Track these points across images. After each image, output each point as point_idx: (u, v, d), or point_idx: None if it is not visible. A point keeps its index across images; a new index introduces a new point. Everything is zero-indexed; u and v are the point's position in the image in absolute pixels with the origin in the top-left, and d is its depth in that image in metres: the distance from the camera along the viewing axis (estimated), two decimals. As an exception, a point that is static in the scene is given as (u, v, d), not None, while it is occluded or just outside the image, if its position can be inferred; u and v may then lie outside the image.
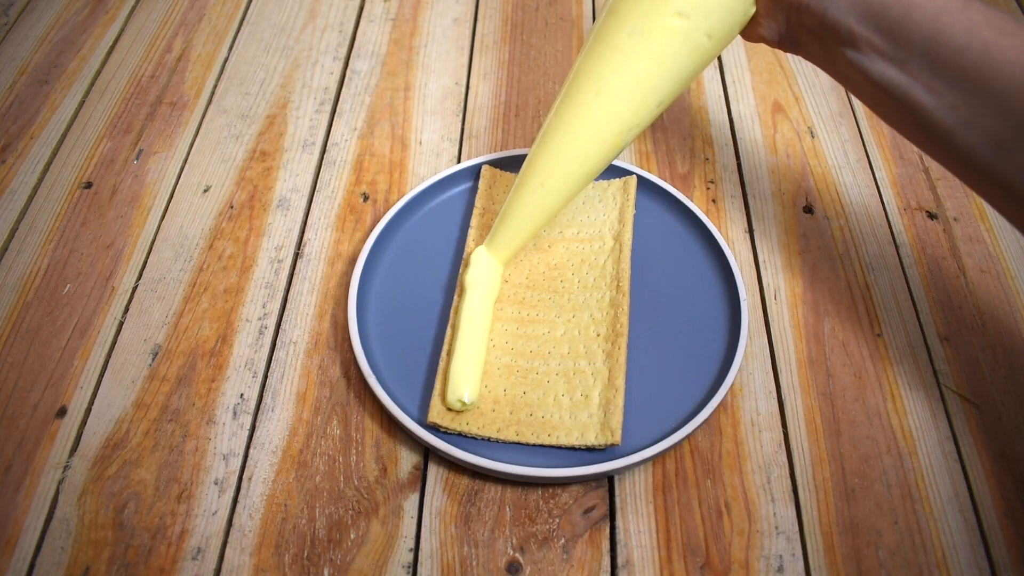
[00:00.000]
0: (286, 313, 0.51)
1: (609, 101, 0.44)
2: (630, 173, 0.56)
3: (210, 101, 0.64)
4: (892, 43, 0.39)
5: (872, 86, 0.40)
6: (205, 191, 0.58)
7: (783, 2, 0.42)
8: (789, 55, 0.67)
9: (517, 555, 0.42)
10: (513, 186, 0.48)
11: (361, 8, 0.72)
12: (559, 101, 0.46)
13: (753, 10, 0.44)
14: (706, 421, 0.45)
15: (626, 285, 0.49)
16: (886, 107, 0.41)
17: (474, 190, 0.56)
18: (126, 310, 0.51)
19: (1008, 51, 0.36)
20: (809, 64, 0.67)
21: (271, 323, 0.51)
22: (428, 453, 0.45)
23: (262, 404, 0.47)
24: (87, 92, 0.65)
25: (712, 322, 0.49)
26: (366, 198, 0.57)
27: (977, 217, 0.56)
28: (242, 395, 0.47)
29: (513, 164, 0.56)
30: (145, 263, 0.54)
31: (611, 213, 0.53)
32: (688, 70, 0.44)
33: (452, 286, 0.51)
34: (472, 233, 0.53)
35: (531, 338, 0.48)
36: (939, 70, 0.37)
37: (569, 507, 0.43)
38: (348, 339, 0.49)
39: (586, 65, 0.45)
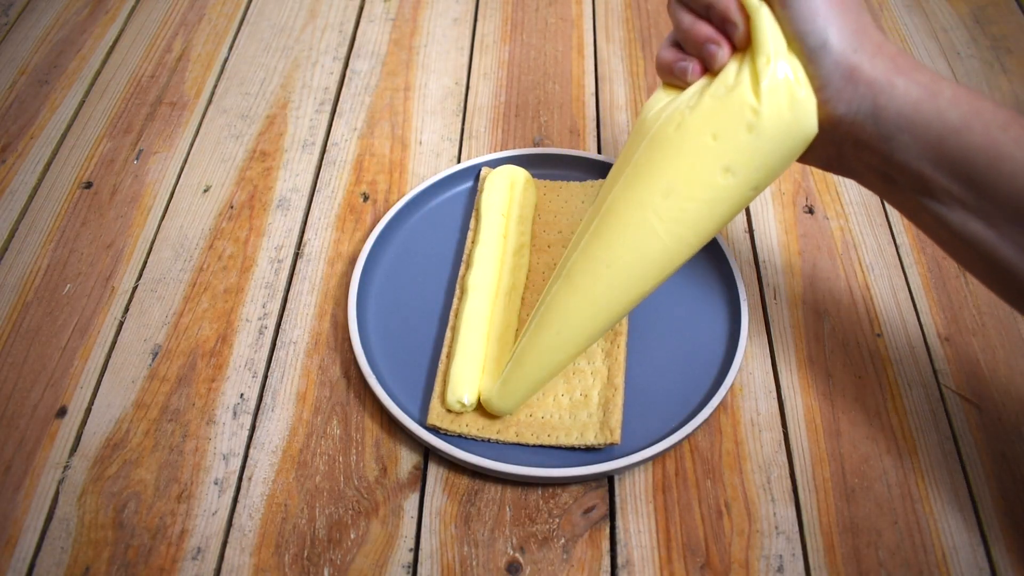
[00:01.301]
0: (286, 313, 0.51)
1: (633, 268, 0.39)
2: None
3: (210, 101, 0.64)
4: (976, 195, 0.33)
5: (951, 235, 0.35)
6: (205, 191, 0.58)
7: (836, 135, 0.36)
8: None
9: (517, 555, 0.42)
10: (525, 332, 0.44)
11: (361, 8, 0.72)
12: (580, 249, 0.41)
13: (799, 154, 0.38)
14: (706, 421, 0.45)
15: (626, 285, 0.48)
16: (969, 259, 0.36)
17: (474, 190, 0.56)
18: (126, 310, 0.51)
19: None
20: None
21: (271, 323, 0.51)
22: (428, 453, 0.45)
23: (262, 404, 0.47)
24: (87, 92, 0.65)
25: (712, 322, 0.49)
26: (366, 198, 0.57)
27: (977, 217, 0.56)
28: (242, 395, 0.47)
29: (513, 164, 0.56)
30: (145, 263, 0.54)
31: (611, 213, 0.53)
32: (725, 221, 0.39)
33: (452, 286, 0.51)
34: (471, 235, 0.53)
35: (531, 338, 0.48)
36: None
37: (569, 507, 0.43)
38: (348, 339, 0.49)
39: (608, 225, 0.39)
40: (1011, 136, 0.32)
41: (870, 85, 0.34)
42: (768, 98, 0.35)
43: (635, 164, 0.39)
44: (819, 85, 0.35)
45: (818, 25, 0.34)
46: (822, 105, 0.35)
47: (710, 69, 0.38)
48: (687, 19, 0.38)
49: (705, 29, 0.37)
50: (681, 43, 0.39)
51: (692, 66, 0.38)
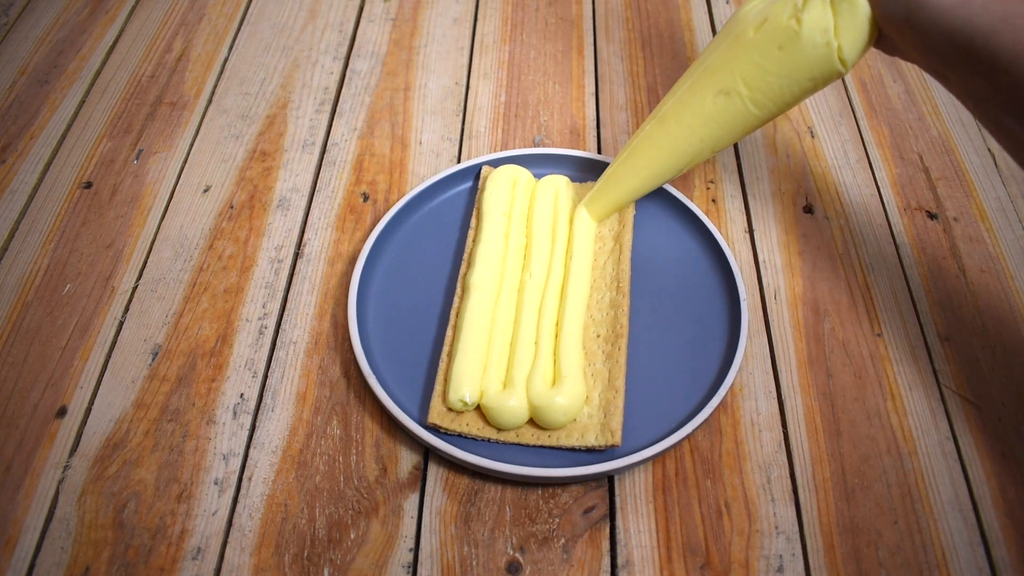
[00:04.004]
0: (286, 313, 0.51)
1: (696, 142, 0.48)
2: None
3: (210, 101, 0.64)
4: (1005, 94, 0.35)
5: (988, 122, 0.38)
6: (205, 191, 0.58)
7: (883, 30, 0.40)
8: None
9: (517, 555, 0.42)
10: (617, 159, 0.52)
11: (361, 8, 0.72)
12: (676, 98, 0.48)
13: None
14: (706, 421, 0.45)
15: (626, 286, 0.49)
16: (1012, 150, 0.39)
17: (474, 190, 0.56)
18: (126, 310, 0.51)
19: None
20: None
21: (271, 323, 0.51)
22: (428, 453, 0.45)
23: (262, 404, 0.47)
24: (87, 92, 0.65)
25: (712, 322, 0.49)
26: (366, 198, 0.57)
27: (977, 217, 0.56)
28: (242, 395, 0.47)
29: (514, 164, 0.56)
30: (145, 263, 0.54)
31: (611, 213, 0.53)
32: (799, 99, 0.45)
33: (452, 286, 0.51)
34: (472, 234, 0.53)
35: (531, 338, 0.48)
36: None
37: (569, 507, 0.43)
38: (348, 339, 0.49)
39: (701, 83, 0.47)
40: None
41: None
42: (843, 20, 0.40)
43: (729, 46, 0.45)
44: None
45: None
46: None
47: None
48: None
49: None
50: None
51: None
